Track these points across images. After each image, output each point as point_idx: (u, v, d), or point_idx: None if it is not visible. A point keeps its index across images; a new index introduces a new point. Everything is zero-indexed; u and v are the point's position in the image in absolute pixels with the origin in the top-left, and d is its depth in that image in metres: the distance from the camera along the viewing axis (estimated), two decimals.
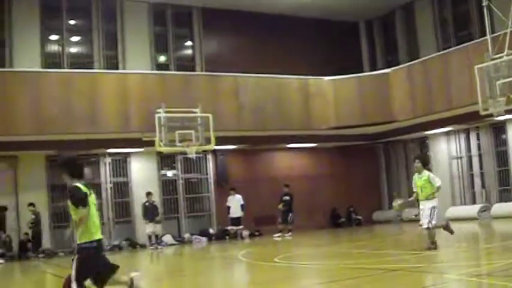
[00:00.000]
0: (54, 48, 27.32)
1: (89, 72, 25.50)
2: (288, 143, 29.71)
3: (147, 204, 25.49)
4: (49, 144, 24.20)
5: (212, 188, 29.09)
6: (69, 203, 8.36)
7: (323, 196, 30.09)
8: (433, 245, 14.81)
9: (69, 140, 24.13)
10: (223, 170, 29.04)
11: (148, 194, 25.69)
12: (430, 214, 14.90)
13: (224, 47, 30.37)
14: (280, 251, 18.11)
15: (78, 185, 8.39)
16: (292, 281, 12.24)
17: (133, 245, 26.56)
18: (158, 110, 22.74)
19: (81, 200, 8.24)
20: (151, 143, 22.72)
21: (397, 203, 21.92)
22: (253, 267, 16.33)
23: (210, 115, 23.30)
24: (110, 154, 27.15)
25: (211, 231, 28.37)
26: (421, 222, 15.18)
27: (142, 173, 27.66)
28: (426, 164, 16.15)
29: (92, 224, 8.33)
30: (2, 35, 25.91)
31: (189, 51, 30.05)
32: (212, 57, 29.34)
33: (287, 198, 26.84)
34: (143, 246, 26.25)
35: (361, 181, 31.42)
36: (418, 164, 15.52)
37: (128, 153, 27.37)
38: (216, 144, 23.68)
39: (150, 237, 25.45)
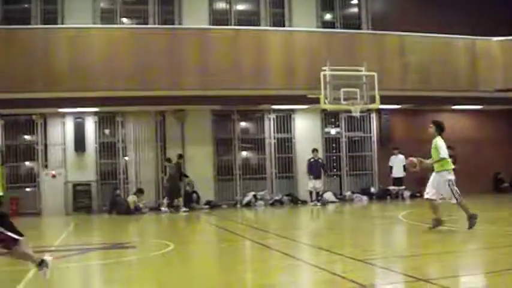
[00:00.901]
0: (221, 5, 27.98)
1: (255, 30, 25.96)
2: (453, 104, 29.13)
3: (312, 160, 25.89)
4: (215, 99, 24.97)
5: (375, 147, 29.09)
6: None
7: (486, 160, 29.34)
8: (471, 221, 13.72)
9: (235, 95, 24.70)
10: (386, 130, 28.94)
11: (314, 150, 26.08)
12: (451, 189, 14.13)
13: (390, 6, 29.87)
14: (441, 213, 17.92)
15: None
16: (449, 244, 12.20)
17: (295, 200, 27.05)
18: (323, 68, 22.88)
19: None
20: (315, 100, 22.89)
21: None
22: (412, 229, 16.33)
23: (375, 74, 23.19)
24: (275, 110, 27.64)
25: (372, 190, 28.43)
26: (425, 194, 14.51)
27: (305, 130, 28.02)
28: (441, 131, 14.51)
29: None
30: None
31: (355, 10, 29.84)
32: (378, 15, 29.04)
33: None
34: (304, 202, 26.70)
35: None
36: (430, 128, 14.51)
37: (292, 110, 27.76)
38: (380, 104, 23.60)
39: (311, 193, 25.85)
